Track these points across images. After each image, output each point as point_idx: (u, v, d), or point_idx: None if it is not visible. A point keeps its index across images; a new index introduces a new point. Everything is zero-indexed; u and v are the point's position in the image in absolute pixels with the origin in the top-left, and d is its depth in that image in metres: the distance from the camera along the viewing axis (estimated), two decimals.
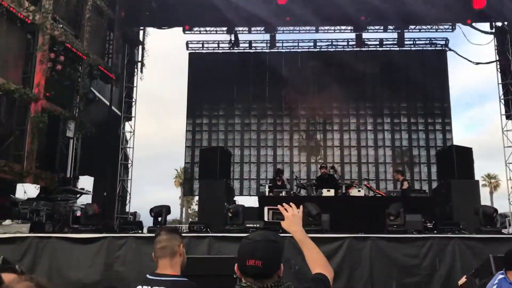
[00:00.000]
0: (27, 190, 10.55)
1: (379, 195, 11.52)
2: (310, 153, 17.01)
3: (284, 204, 2.48)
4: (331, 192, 10.65)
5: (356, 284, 8.04)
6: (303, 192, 12.27)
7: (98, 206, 8.86)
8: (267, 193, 11.81)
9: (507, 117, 15.87)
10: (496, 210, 8.51)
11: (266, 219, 2.71)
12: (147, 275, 2.68)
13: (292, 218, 2.40)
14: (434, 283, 7.71)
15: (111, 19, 13.01)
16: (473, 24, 15.80)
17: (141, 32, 15.80)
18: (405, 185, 11.99)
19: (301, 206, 2.50)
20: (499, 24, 15.99)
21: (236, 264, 2.00)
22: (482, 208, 8.51)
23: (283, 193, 10.99)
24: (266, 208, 2.75)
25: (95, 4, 11.92)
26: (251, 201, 15.61)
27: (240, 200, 14.90)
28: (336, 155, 16.73)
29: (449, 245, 8.02)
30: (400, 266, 8.03)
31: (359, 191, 10.74)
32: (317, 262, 2.27)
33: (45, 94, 10.24)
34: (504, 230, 15.28)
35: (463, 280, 5.90)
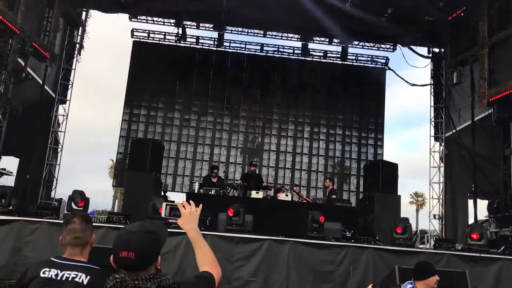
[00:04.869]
0: None
1: (305, 201, 11.76)
2: (247, 154, 17.09)
3: (183, 201, 2.47)
4: (259, 194, 10.75)
5: (271, 286, 8.16)
6: (233, 192, 12.29)
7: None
8: (196, 190, 11.73)
9: (435, 139, 16.76)
10: (407, 225, 8.88)
11: (163, 215, 2.68)
12: (52, 258, 2.60)
13: (188, 215, 2.38)
14: None
15: None
16: (413, 47, 16.58)
17: (83, 14, 15.27)
18: (333, 196, 12.28)
19: (200, 205, 2.48)
20: (436, 50, 16.88)
21: (111, 256, 1.95)
22: (396, 222, 8.89)
23: (212, 192, 10.95)
24: (164, 204, 2.71)
25: None
26: (182, 198, 15.47)
27: (171, 195, 14.76)
28: (272, 159, 16.92)
29: (363, 254, 8.32)
30: (316, 271, 8.23)
31: (286, 195, 10.89)
32: (206, 261, 2.27)
33: None
34: (422, 245, 16.10)
35: None
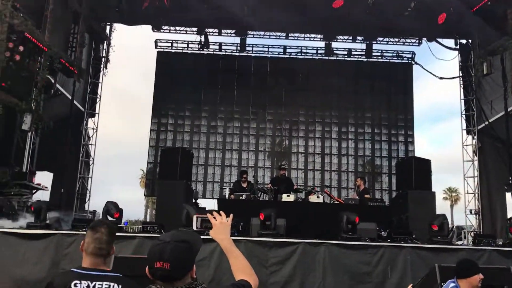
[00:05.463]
0: None
1: (337, 203, 11.60)
2: (275, 158, 17.04)
3: (213, 212, 2.43)
4: (290, 198, 10.64)
5: None
6: (264, 197, 12.23)
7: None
8: (227, 196, 11.72)
9: (467, 132, 16.34)
10: (443, 222, 8.62)
11: (194, 227, 2.66)
12: (75, 269, 2.55)
13: (219, 226, 2.34)
14: None
15: (76, 12, 12.71)
16: (439, 40, 16.21)
17: (107, 28, 15.55)
18: (366, 195, 12.06)
19: (231, 215, 2.45)
20: (463, 41, 16.46)
21: (147, 267, 1.94)
22: (432, 219, 8.67)
23: (243, 197, 10.91)
24: (195, 216, 2.69)
25: None
26: (213, 204, 15.51)
27: (203, 202, 14.82)
28: (301, 161, 16.82)
29: (401, 254, 8.12)
30: (353, 272, 8.08)
31: (318, 197, 10.76)
32: (242, 270, 2.22)
33: (1, 84, 9.87)
34: (459, 242, 15.68)
35: None
